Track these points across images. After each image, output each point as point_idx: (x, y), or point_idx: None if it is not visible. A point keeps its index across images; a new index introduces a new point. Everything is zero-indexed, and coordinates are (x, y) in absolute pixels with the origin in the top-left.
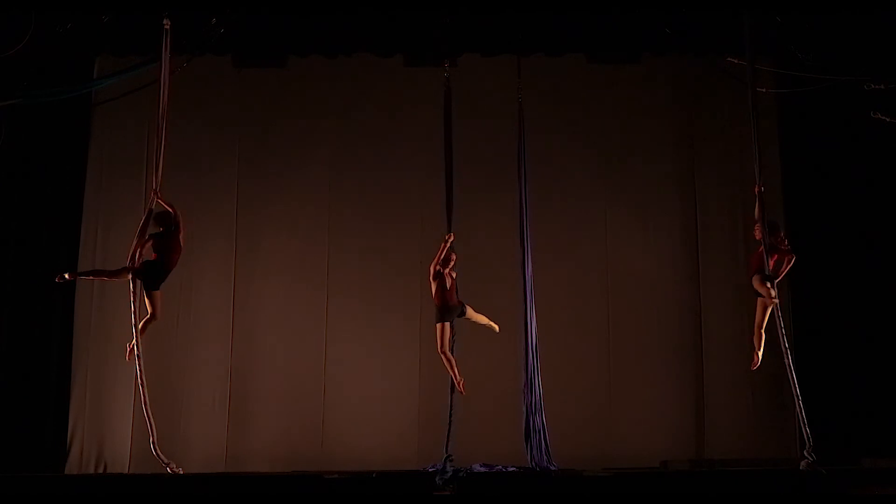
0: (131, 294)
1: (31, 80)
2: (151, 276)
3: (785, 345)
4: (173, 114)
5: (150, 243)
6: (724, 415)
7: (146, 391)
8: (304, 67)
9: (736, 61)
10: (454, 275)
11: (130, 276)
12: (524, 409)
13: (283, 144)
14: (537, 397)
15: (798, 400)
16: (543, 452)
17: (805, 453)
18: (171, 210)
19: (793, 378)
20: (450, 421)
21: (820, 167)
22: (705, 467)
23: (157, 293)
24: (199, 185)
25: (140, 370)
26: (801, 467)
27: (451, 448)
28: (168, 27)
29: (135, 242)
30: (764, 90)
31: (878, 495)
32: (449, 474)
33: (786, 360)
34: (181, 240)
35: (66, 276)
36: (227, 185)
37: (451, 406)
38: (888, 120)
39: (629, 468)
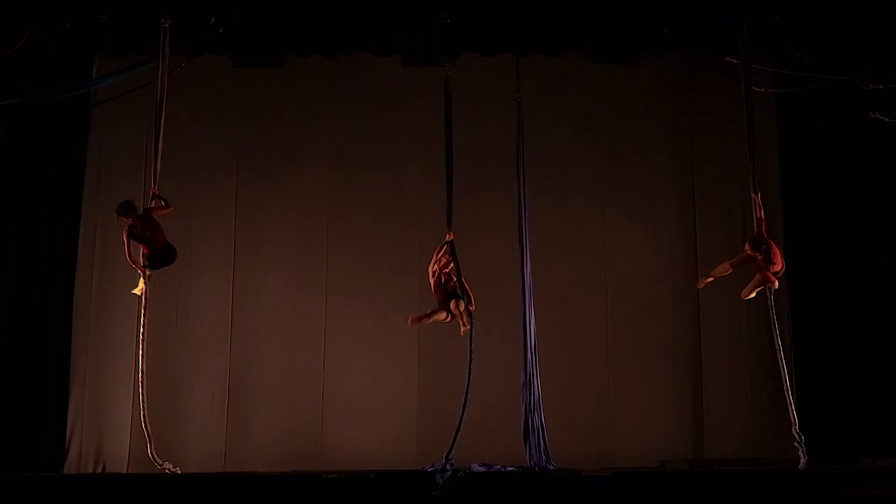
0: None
1: (30, 80)
2: (157, 264)
3: (778, 343)
4: (172, 113)
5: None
6: (723, 414)
7: (146, 402)
8: (303, 67)
9: (734, 61)
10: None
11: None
12: (523, 408)
13: (282, 143)
14: (536, 397)
15: (788, 393)
16: (542, 452)
17: (795, 444)
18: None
19: (784, 372)
20: (459, 422)
21: (818, 167)
22: (704, 467)
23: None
24: (198, 184)
25: (142, 382)
26: (799, 467)
27: (440, 452)
28: (167, 27)
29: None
30: (762, 90)
31: (876, 495)
32: (449, 473)
33: (778, 356)
34: (158, 217)
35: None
36: (226, 184)
37: (464, 405)
38: (887, 120)
39: (628, 468)
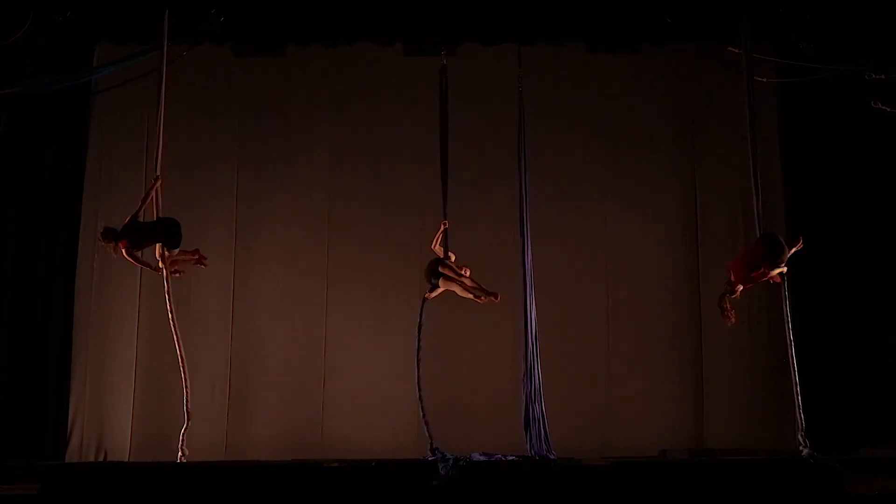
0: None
1: (31, 69)
2: (172, 243)
3: (790, 337)
4: (173, 103)
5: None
6: (724, 404)
7: (188, 385)
8: (304, 56)
9: (737, 51)
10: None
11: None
12: (524, 397)
13: (283, 133)
14: (537, 386)
15: (795, 385)
16: (543, 441)
17: (799, 437)
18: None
19: (793, 362)
20: (423, 413)
21: (820, 156)
22: (704, 456)
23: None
24: (199, 173)
25: (183, 367)
26: (803, 455)
27: (437, 441)
28: (168, 16)
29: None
30: (764, 80)
31: (876, 485)
32: (450, 462)
33: (789, 349)
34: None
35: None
36: (227, 173)
37: (420, 396)
38: (889, 110)
39: (628, 457)
